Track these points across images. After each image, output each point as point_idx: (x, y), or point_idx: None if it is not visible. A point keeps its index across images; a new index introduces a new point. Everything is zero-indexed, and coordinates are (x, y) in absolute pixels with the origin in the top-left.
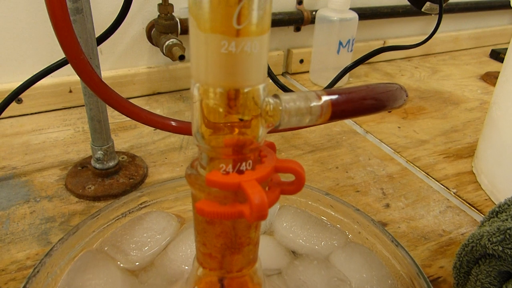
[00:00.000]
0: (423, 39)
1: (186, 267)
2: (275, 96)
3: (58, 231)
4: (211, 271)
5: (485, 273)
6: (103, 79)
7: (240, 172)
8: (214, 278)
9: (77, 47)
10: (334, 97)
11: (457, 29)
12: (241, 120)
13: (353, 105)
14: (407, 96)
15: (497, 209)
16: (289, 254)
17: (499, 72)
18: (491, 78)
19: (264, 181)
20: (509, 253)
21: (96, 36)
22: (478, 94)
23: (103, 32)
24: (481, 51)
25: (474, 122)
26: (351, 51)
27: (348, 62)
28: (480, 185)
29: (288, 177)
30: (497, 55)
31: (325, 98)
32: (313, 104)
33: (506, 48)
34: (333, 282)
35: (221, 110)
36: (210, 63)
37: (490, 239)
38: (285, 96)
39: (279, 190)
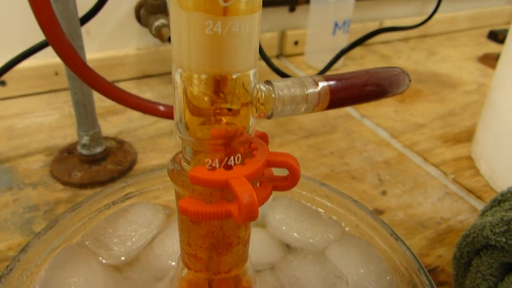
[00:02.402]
0: (422, 20)
1: (173, 263)
2: (267, 82)
3: (42, 220)
4: (197, 273)
5: (487, 264)
6: (90, 61)
7: (228, 167)
8: (200, 280)
9: (57, 28)
10: (332, 83)
11: (454, 10)
12: (229, 109)
13: (353, 92)
14: (410, 81)
15: (499, 197)
16: (282, 247)
17: (497, 54)
18: (489, 60)
19: (255, 178)
20: None
21: (80, 16)
22: (476, 77)
23: (87, 12)
24: (479, 32)
25: (472, 106)
26: (347, 32)
27: (344, 43)
28: (478, 170)
29: (281, 170)
30: (495, 36)
31: (322, 84)
32: (310, 91)
33: (505, 29)
34: (329, 279)
35: (206, 98)
36: (193, 46)
37: (493, 229)
38: (278, 83)
39: (271, 186)
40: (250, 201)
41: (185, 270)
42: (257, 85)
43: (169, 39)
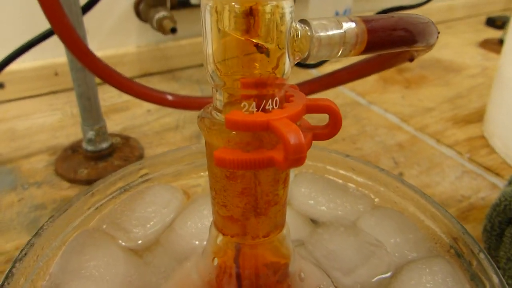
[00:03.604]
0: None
1: (197, 242)
2: (303, 21)
3: None
4: (233, 238)
5: None
6: None
7: (267, 111)
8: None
9: (59, 8)
10: (369, 22)
11: None
12: (263, 49)
13: (387, 34)
14: (438, 32)
15: None
16: (309, 223)
17: (498, 39)
18: (490, 45)
19: (297, 120)
20: None
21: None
22: (479, 61)
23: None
24: (476, 19)
25: (478, 88)
26: None
27: None
28: (493, 148)
29: None
30: (493, 22)
31: (360, 23)
32: (348, 30)
33: (503, 15)
34: (365, 248)
35: (238, 35)
36: None
37: None
38: (314, 21)
39: (311, 135)
40: (297, 141)
41: (220, 237)
42: (294, 24)
43: (171, 30)
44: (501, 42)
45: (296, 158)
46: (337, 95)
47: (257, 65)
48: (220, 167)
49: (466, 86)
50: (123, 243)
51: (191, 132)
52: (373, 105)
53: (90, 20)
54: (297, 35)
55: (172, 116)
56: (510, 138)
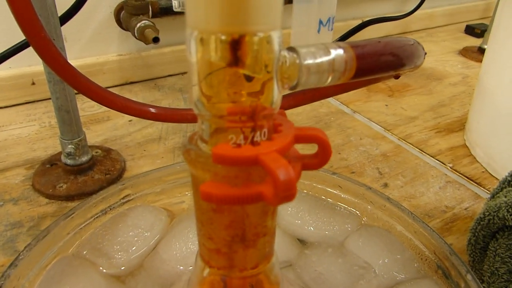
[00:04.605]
0: (412, 9)
1: (182, 267)
2: (291, 49)
3: (26, 237)
4: (220, 270)
5: (505, 246)
6: None
7: (255, 144)
8: (223, 280)
9: (36, 22)
10: (358, 49)
11: (431, 6)
12: (250, 79)
13: (377, 59)
14: (425, 53)
15: (509, 178)
16: (296, 243)
17: (477, 47)
18: (469, 53)
19: (286, 153)
20: None
21: (59, 15)
22: (459, 69)
23: (67, 10)
24: (456, 27)
25: (459, 96)
26: (331, 29)
27: (329, 41)
28: (475, 158)
29: None
30: (472, 30)
31: (348, 50)
32: (336, 57)
33: (481, 24)
34: (354, 271)
35: (224, 65)
36: None
37: (509, 210)
38: (303, 49)
39: (300, 165)
40: (287, 177)
41: (207, 270)
42: (282, 52)
43: (153, 40)
44: (480, 49)
45: (286, 195)
46: (322, 104)
47: (244, 93)
48: (206, 201)
49: (448, 95)
50: (105, 270)
51: (174, 143)
52: (357, 114)
53: (69, 28)
54: (286, 63)
55: (154, 126)
56: (491, 147)
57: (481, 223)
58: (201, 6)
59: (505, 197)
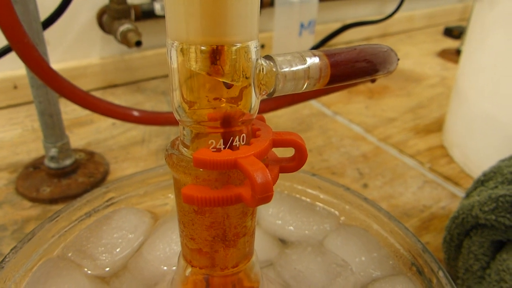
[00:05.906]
0: (390, 13)
1: (165, 268)
2: (267, 57)
3: (10, 241)
4: (202, 269)
5: (478, 244)
6: None
7: (234, 148)
8: (205, 279)
9: (19, 28)
10: (332, 57)
11: (411, 9)
12: (229, 86)
13: (351, 66)
14: (398, 59)
15: (482, 177)
16: (277, 243)
17: (455, 49)
18: (447, 55)
19: (263, 157)
20: (502, 221)
21: (41, 21)
22: (438, 71)
23: (49, 15)
24: (435, 29)
25: (437, 98)
26: (312, 33)
27: (310, 44)
28: (452, 158)
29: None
30: (450, 32)
31: (323, 58)
32: (311, 65)
33: (459, 26)
34: (332, 269)
35: (204, 73)
36: (190, 10)
37: (482, 208)
38: (279, 57)
39: (277, 168)
40: (264, 180)
41: (189, 269)
42: (259, 60)
43: (136, 44)
44: (458, 52)
45: (264, 196)
46: (304, 106)
47: (224, 100)
48: (188, 204)
49: (427, 96)
50: (89, 272)
51: (157, 146)
52: (338, 115)
53: (51, 32)
54: (263, 71)
55: (138, 129)
56: (468, 147)
57: (456, 221)
58: (181, 19)
59: (478, 196)
